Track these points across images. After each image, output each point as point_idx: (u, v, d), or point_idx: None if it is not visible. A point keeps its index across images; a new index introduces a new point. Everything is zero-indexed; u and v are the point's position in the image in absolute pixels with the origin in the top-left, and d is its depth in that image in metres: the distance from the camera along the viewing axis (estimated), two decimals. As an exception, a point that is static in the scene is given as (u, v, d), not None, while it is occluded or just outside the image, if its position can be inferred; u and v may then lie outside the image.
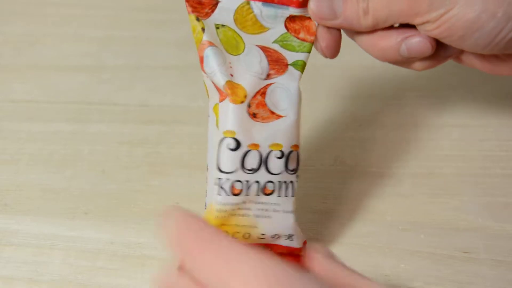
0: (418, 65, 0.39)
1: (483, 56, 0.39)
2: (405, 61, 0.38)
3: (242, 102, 0.35)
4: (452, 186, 0.45)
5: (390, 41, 0.37)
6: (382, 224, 0.43)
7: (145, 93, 0.54)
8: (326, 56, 0.38)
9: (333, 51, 0.38)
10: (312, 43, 0.37)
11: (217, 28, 0.37)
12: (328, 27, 0.37)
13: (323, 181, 0.45)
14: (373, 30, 0.37)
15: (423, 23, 0.35)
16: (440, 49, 0.37)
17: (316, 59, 0.39)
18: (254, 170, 0.35)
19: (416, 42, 0.36)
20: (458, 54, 0.39)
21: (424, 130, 0.49)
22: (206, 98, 0.37)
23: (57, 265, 0.41)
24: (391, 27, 0.36)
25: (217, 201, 0.35)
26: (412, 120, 0.50)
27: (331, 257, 0.31)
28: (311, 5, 0.36)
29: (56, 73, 0.56)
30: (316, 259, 0.30)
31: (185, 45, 0.58)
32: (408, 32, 0.36)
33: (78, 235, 0.43)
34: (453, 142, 0.48)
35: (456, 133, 0.49)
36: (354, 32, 0.37)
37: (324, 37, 0.37)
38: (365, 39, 0.37)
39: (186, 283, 0.29)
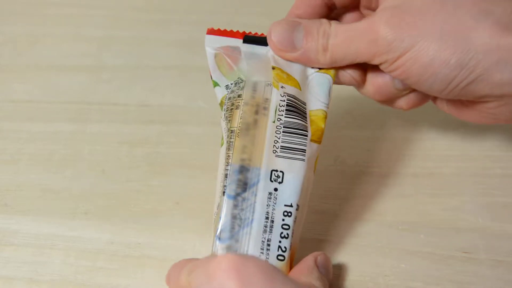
0: (403, 102, 0.40)
1: (449, 100, 0.39)
2: (396, 96, 0.39)
3: None
4: (452, 186, 0.45)
5: (384, 75, 0.38)
6: (382, 224, 0.43)
7: (145, 93, 0.54)
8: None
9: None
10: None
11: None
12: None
13: (323, 181, 0.45)
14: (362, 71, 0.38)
15: (381, 64, 0.36)
16: None
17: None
18: None
19: None
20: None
21: (424, 130, 0.49)
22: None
23: (57, 265, 0.41)
24: None
25: None
26: (412, 119, 0.50)
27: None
28: (272, 36, 0.37)
29: (56, 73, 0.56)
30: None
31: (185, 45, 0.58)
32: None
33: (78, 235, 0.43)
34: (453, 142, 0.48)
35: (456, 133, 0.49)
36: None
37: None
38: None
39: None
